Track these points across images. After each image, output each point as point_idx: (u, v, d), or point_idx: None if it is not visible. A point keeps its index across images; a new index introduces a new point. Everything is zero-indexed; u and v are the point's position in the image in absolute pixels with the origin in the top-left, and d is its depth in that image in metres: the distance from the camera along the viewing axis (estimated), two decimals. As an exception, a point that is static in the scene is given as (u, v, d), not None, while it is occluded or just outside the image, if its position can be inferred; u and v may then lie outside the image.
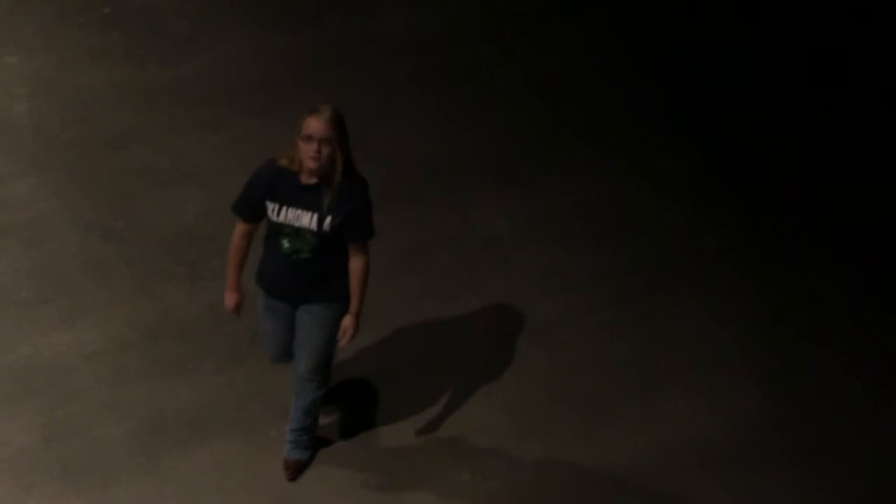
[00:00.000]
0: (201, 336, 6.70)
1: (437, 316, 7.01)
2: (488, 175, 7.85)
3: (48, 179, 7.51)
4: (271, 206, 5.63)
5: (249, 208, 5.72)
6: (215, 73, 8.33)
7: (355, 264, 5.74)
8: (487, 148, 8.03)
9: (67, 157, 7.66)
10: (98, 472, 6.16)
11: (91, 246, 7.17)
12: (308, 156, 5.50)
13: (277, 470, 6.23)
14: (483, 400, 6.64)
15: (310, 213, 5.60)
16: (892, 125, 8.45)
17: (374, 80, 8.40)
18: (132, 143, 7.79)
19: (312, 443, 6.28)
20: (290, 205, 5.60)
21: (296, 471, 6.24)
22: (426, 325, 6.96)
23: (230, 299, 5.90)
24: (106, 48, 8.40)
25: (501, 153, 8.01)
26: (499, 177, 7.84)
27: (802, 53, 8.90)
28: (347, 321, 5.80)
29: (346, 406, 6.53)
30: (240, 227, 5.79)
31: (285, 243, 5.66)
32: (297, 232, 5.63)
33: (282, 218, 5.63)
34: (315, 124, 5.49)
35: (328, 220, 5.59)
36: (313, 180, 5.58)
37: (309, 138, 5.49)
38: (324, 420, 6.34)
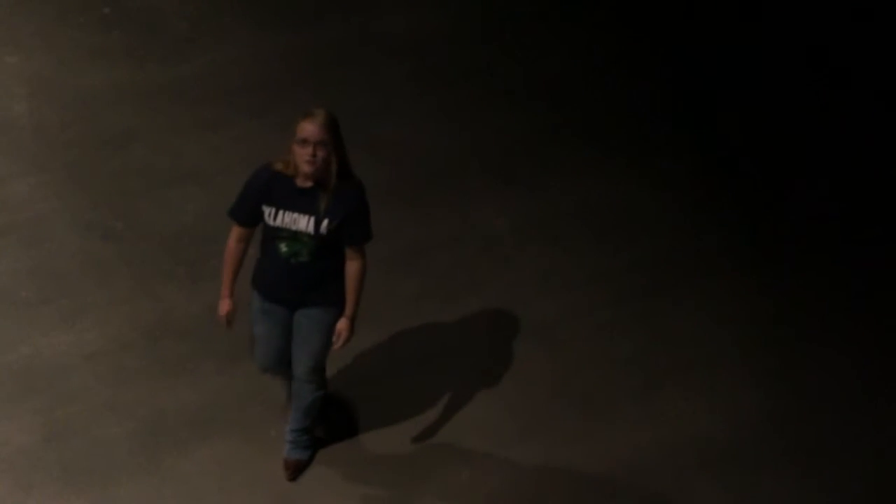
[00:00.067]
0: (201, 336, 6.69)
1: (437, 316, 7.00)
2: (488, 175, 7.85)
3: (48, 179, 7.51)
4: (268, 211, 5.63)
5: (246, 213, 5.72)
6: (215, 73, 8.33)
7: (351, 267, 5.74)
8: (487, 148, 8.03)
9: (67, 157, 7.66)
10: (98, 472, 6.16)
11: (91, 246, 7.17)
12: (303, 160, 5.50)
13: (277, 470, 6.23)
14: (483, 400, 6.64)
15: (306, 217, 5.60)
16: (892, 125, 8.45)
17: (374, 80, 8.40)
18: (132, 143, 7.79)
19: (312, 443, 6.28)
20: (286, 209, 5.60)
21: (296, 471, 6.24)
22: (426, 325, 6.96)
23: (223, 307, 5.87)
24: (106, 48, 8.40)
25: (501, 153, 8.01)
26: (499, 177, 7.84)
27: (802, 53, 8.90)
28: (342, 324, 5.79)
29: (346, 406, 6.53)
30: (236, 232, 5.78)
31: (283, 247, 5.66)
32: (294, 236, 5.63)
33: (278, 222, 5.62)
34: (309, 128, 5.49)
35: (325, 223, 5.59)
36: (309, 184, 5.57)
37: (304, 142, 5.49)
38: (324, 420, 6.34)
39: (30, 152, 7.66)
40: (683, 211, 7.77)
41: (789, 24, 9.10)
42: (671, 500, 6.29)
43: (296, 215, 5.60)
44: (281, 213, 5.61)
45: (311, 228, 5.60)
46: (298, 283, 5.72)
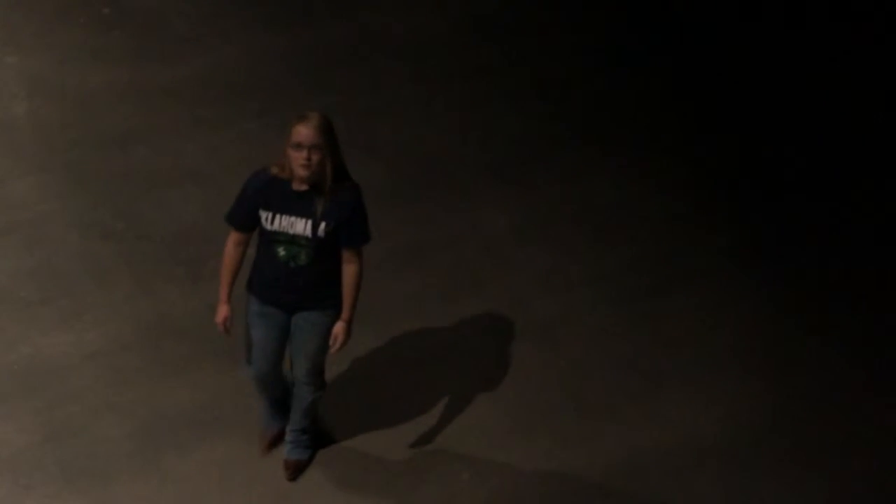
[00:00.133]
0: (201, 336, 6.69)
1: (437, 316, 7.00)
2: (488, 175, 7.85)
3: (48, 179, 7.51)
4: (265, 215, 5.62)
5: (243, 218, 5.71)
6: (215, 73, 8.33)
7: (348, 271, 5.72)
8: (488, 148, 8.03)
9: (67, 157, 7.66)
10: (98, 472, 6.16)
11: (91, 246, 7.17)
12: (298, 163, 5.49)
13: (277, 470, 6.23)
14: (483, 400, 6.64)
15: (304, 220, 5.59)
16: (892, 125, 8.45)
17: (374, 80, 8.40)
18: (132, 143, 7.79)
19: (312, 443, 6.28)
20: (283, 212, 5.59)
21: (296, 471, 6.24)
22: (426, 325, 6.96)
23: (221, 313, 5.86)
24: (106, 48, 8.41)
25: (501, 153, 8.01)
26: (499, 177, 7.84)
27: (803, 53, 8.90)
28: (339, 328, 5.78)
29: (346, 406, 6.53)
30: (233, 237, 5.77)
31: (281, 251, 5.65)
32: (291, 239, 5.62)
33: (276, 226, 5.61)
34: (304, 131, 5.48)
35: (322, 225, 5.58)
36: (305, 187, 5.57)
37: (298, 146, 5.48)
38: (323, 420, 6.34)
39: (30, 152, 7.67)
40: (683, 211, 7.77)
41: (789, 24, 9.11)
42: (671, 500, 6.29)
43: (293, 219, 5.60)
44: (278, 217, 5.60)
45: (308, 232, 5.60)
46: (296, 287, 5.71)
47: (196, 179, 7.60)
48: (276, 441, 6.27)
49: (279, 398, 6.20)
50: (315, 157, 5.48)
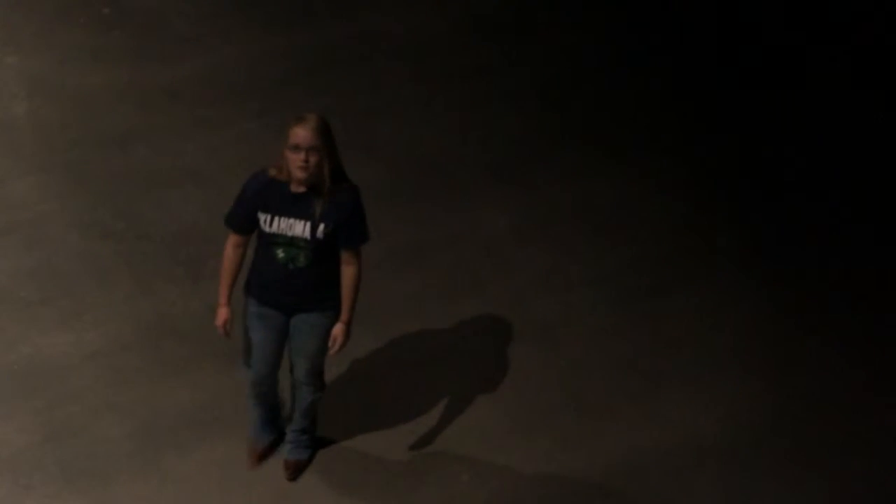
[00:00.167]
0: (201, 336, 6.69)
1: (437, 316, 7.00)
2: (488, 175, 7.85)
3: (48, 179, 7.51)
4: (263, 218, 5.61)
5: (242, 220, 5.70)
6: (215, 73, 8.33)
7: (346, 273, 5.72)
8: (488, 148, 8.03)
9: (67, 157, 7.66)
10: (98, 472, 6.16)
11: (91, 246, 7.17)
12: (296, 165, 5.49)
13: (277, 470, 6.23)
14: (483, 400, 6.64)
15: (302, 222, 5.58)
16: (892, 125, 8.45)
17: (373, 80, 8.40)
18: (132, 143, 7.79)
19: (312, 443, 6.28)
20: (282, 214, 5.59)
21: (296, 471, 6.24)
22: (426, 325, 6.96)
23: (221, 316, 5.85)
24: (106, 48, 8.41)
25: (501, 153, 8.01)
26: (499, 177, 7.84)
27: (802, 53, 8.90)
28: (338, 329, 5.78)
29: (346, 406, 6.53)
30: (233, 239, 5.76)
31: (280, 253, 5.64)
32: (290, 241, 5.61)
33: (274, 228, 5.61)
34: (301, 133, 5.47)
35: (321, 227, 5.58)
36: (303, 189, 5.56)
37: (296, 147, 5.48)
38: (323, 420, 6.34)
39: (30, 152, 7.67)
40: (683, 211, 7.77)
41: (789, 24, 9.10)
42: (671, 500, 6.29)
43: (292, 221, 5.59)
44: (277, 219, 5.60)
45: (307, 233, 5.59)
46: (296, 288, 5.71)
47: (196, 179, 7.60)
48: (266, 454, 6.25)
49: (272, 406, 6.18)
50: (313, 159, 5.48)
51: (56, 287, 6.94)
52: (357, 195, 5.66)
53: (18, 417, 6.34)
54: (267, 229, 5.62)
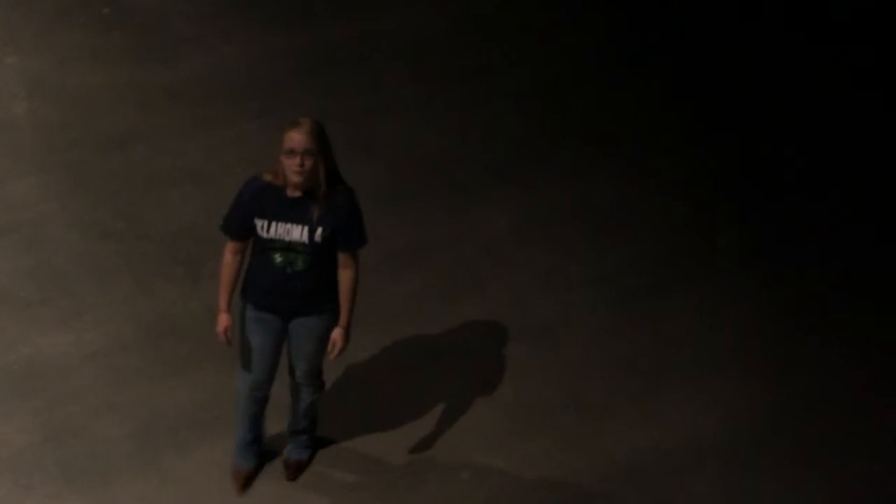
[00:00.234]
0: (201, 336, 6.69)
1: (437, 316, 7.00)
2: (488, 175, 7.85)
3: (48, 179, 7.51)
4: (260, 223, 5.59)
5: (238, 227, 5.68)
6: (215, 73, 8.33)
7: (344, 276, 5.70)
8: (487, 148, 8.03)
9: (67, 157, 7.66)
10: (98, 472, 6.16)
11: (91, 246, 7.17)
12: (291, 170, 5.48)
13: (277, 470, 6.23)
14: (483, 400, 6.64)
15: (300, 227, 5.57)
16: (892, 125, 8.45)
17: (373, 80, 8.40)
18: (132, 143, 7.79)
19: (312, 443, 6.28)
20: (278, 220, 5.57)
21: (296, 471, 6.24)
22: (426, 325, 6.95)
23: (222, 322, 5.81)
24: (106, 48, 8.41)
25: (501, 153, 8.01)
26: (499, 177, 7.84)
27: (802, 53, 8.90)
28: (337, 334, 5.76)
29: (346, 406, 6.53)
30: (230, 246, 5.74)
31: (277, 258, 5.62)
32: (288, 246, 5.59)
33: (272, 233, 5.59)
34: (297, 137, 5.46)
35: (319, 231, 5.56)
36: (299, 193, 5.55)
37: (291, 152, 5.47)
38: (323, 420, 6.34)
39: (30, 152, 7.67)
40: (683, 211, 7.77)
41: (789, 24, 9.10)
42: (671, 500, 6.29)
43: (289, 226, 5.57)
44: (274, 224, 5.58)
45: (305, 238, 5.58)
46: (294, 292, 5.69)
47: (196, 179, 7.60)
48: (250, 479, 6.20)
49: (260, 416, 6.14)
50: (308, 163, 5.47)
51: (56, 287, 6.94)
52: (353, 198, 5.64)
53: (18, 417, 6.34)
54: (264, 235, 5.60)
